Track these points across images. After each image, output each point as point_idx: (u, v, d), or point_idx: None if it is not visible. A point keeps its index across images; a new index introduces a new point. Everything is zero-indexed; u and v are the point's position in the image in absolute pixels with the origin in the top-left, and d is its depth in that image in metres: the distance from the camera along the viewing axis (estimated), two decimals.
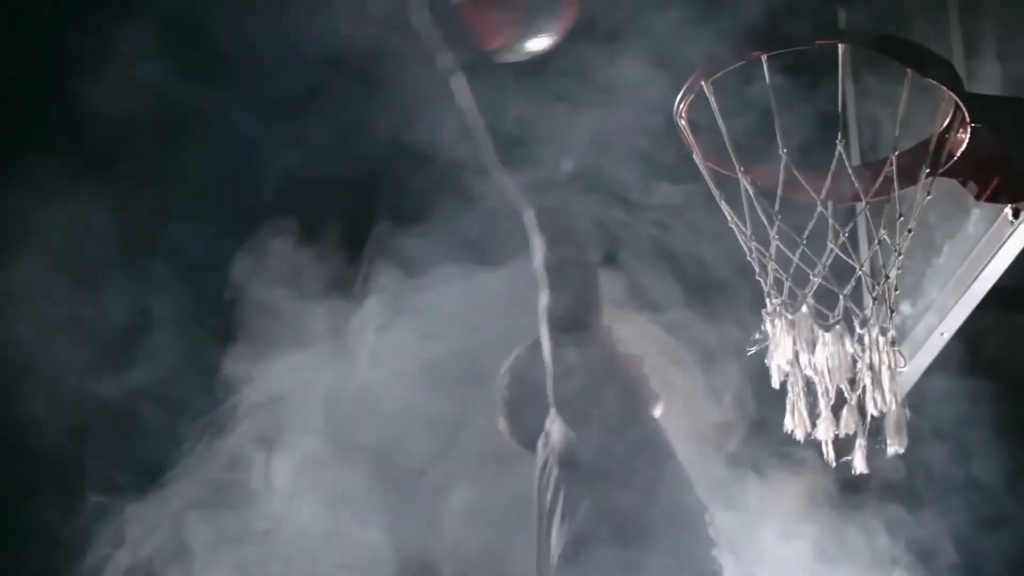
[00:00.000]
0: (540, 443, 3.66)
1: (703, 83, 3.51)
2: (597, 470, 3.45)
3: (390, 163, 4.65)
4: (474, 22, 3.75)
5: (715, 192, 3.68)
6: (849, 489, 4.46)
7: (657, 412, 3.72)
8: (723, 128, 3.53)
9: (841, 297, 3.52)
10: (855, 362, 3.52)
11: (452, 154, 4.44)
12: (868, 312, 3.52)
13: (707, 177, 3.70)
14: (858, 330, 3.52)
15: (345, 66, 4.55)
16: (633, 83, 4.28)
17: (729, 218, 3.65)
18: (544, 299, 3.59)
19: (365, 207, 4.66)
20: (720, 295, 4.40)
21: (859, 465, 3.54)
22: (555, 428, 3.56)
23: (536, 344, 3.68)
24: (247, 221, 4.58)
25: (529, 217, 3.62)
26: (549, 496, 3.56)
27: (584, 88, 4.42)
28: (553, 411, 3.58)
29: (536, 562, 3.61)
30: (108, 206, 4.62)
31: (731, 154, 3.57)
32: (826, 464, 3.57)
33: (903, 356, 3.57)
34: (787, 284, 3.58)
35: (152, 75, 4.51)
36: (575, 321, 3.55)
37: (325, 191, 4.69)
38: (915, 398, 4.30)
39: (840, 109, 3.50)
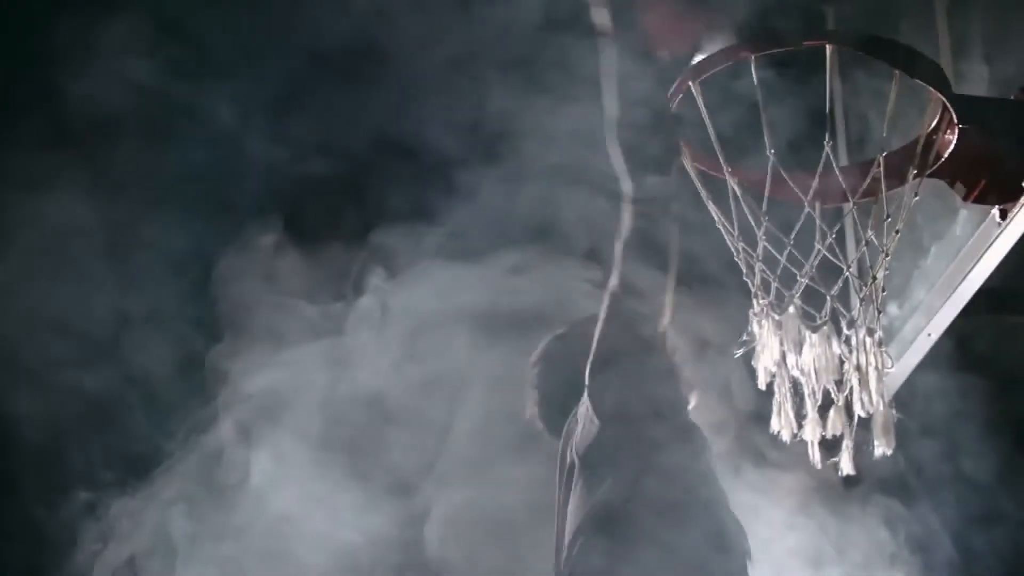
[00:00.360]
0: (564, 430, 3.59)
1: (691, 83, 3.49)
2: (615, 462, 3.38)
3: (375, 159, 4.63)
4: (652, 23, 3.66)
5: (702, 192, 3.66)
6: (848, 482, 4.44)
7: (691, 403, 3.63)
8: (711, 129, 3.51)
9: (828, 298, 3.50)
10: (842, 363, 3.50)
11: (438, 149, 4.43)
12: (855, 313, 3.50)
13: (694, 177, 3.67)
14: (845, 331, 3.50)
15: (330, 62, 4.53)
16: (620, 76, 4.26)
17: (716, 218, 3.63)
18: (614, 279, 3.48)
19: (350, 203, 4.64)
20: (708, 287, 4.39)
21: (846, 466, 3.53)
22: (579, 415, 3.48)
23: (568, 333, 3.62)
24: (231, 217, 4.56)
25: (626, 188, 3.51)
26: (566, 485, 3.50)
27: (571, 81, 4.41)
28: (585, 395, 3.49)
29: (555, 551, 3.55)
30: (92, 201, 4.60)
31: (719, 155, 3.55)
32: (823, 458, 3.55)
33: (890, 357, 3.55)
34: (774, 285, 3.56)
35: (136, 71, 4.49)
36: (639, 305, 3.46)
37: (310, 187, 4.67)
38: (906, 395, 4.31)
39: (828, 109, 3.48)
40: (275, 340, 4.40)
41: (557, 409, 3.61)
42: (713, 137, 3.52)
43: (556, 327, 4.03)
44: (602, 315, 3.42)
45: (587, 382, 3.43)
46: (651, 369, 3.46)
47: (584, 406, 3.45)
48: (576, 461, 3.43)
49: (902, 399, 4.31)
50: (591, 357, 3.41)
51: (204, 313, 4.52)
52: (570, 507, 3.46)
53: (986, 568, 4.79)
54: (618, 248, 3.44)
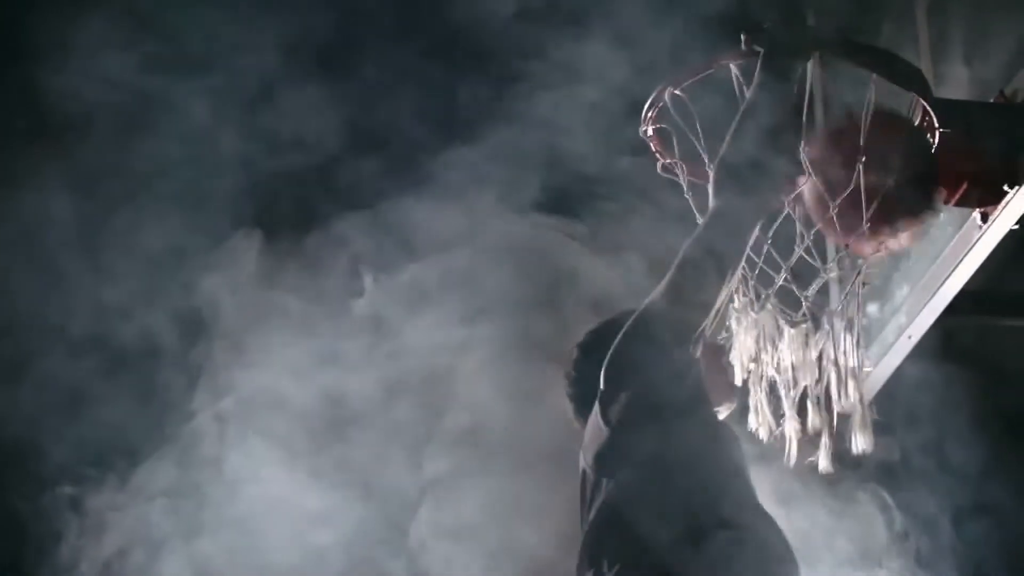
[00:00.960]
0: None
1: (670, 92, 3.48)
2: (620, 467, 3.32)
3: (351, 152, 4.61)
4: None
5: (686, 189, 3.64)
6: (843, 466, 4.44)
7: (723, 412, 3.51)
8: (696, 136, 3.49)
9: (803, 298, 3.50)
10: (820, 361, 3.50)
11: (411, 142, 4.42)
12: (835, 311, 3.50)
13: (680, 176, 3.65)
14: (824, 328, 3.49)
15: (304, 55, 4.51)
16: (598, 64, 4.26)
17: (698, 216, 3.61)
18: (663, 285, 3.37)
19: (326, 197, 4.63)
20: None
21: (823, 464, 3.52)
22: (590, 421, 3.42)
23: (602, 328, 3.55)
24: (207, 211, 4.55)
25: (712, 206, 3.42)
26: (582, 493, 3.45)
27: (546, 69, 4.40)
28: (596, 401, 3.42)
29: None
30: (68, 195, 4.58)
31: (704, 159, 3.52)
32: (815, 442, 3.54)
33: (867, 358, 3.55)
34: (752, 282, 3.55)
35: (111, 65, 4.46)
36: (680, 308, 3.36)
37: (286, 181, 4.65)
38: (894, 391, 4.32)
39: (808, 112, 3.46)
40: (254, 336, 4.40)
41: (590, 407, 3.50)
42: (701, 145, 3.50)
43: (550, 310, 4.02)
44: (635, 315, 3.34)
45: (601, 386, 3.36)
46: (669, 372, 3.36)
47: (594, 412, 3.38)
48: (587, 470, 3.39)
49: (892, 393, 4.32)
50: (607, 361, 3.34)
51: (181, 308, 4.52)
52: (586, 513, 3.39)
53: (978, 558, 4.83)
54: (679, 258, 3.33)
